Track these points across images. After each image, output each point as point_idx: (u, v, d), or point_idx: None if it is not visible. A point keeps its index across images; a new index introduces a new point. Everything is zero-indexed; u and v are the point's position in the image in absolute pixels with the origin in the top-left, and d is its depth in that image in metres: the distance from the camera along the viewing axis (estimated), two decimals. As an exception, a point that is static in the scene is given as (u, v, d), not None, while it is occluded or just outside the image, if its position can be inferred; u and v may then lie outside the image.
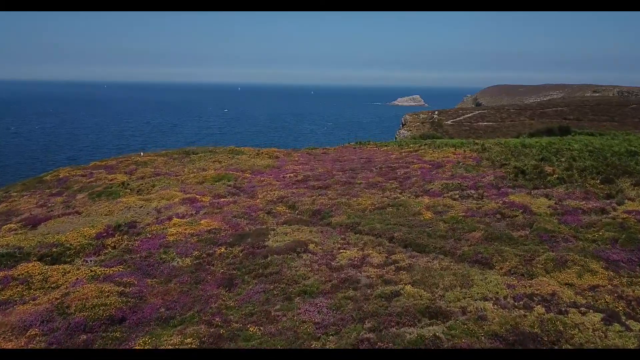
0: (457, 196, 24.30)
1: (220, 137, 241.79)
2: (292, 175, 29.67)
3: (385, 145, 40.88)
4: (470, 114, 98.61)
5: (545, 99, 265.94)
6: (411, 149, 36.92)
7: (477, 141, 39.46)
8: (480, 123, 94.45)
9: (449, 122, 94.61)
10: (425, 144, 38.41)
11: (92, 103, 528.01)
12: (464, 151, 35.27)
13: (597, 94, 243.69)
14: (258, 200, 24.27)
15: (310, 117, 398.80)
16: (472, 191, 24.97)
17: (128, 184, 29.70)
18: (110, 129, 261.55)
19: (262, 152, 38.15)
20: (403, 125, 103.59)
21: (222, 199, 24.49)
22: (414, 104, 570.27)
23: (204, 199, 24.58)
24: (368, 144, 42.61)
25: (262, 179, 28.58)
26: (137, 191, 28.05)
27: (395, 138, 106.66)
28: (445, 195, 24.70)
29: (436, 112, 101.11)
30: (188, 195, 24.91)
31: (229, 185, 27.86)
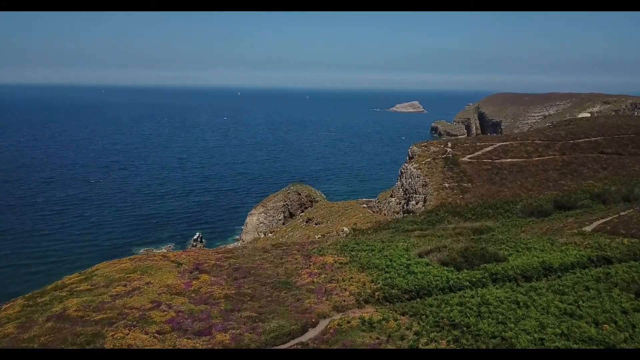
0: None
1: (215, 152, 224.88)
2: None
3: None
4: (491, 147, 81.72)
5: (552, 112, 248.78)
6: None
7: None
8: (504, 160, 77.51)
9: (466, 159, 77.66)
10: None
11: (87, 110, 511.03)
12: None
13: (609, 105, 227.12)
14: None
15: (310, 125, 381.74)
16: None
17: None
18: (99, 142, 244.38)
19: None
20: (410, 158, 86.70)
21: None
22: (412, 110, 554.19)
23: None
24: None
25: None
26: None
27: (401, 173, 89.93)
28: None
29: (449, 144, 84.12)
30: None
31: None
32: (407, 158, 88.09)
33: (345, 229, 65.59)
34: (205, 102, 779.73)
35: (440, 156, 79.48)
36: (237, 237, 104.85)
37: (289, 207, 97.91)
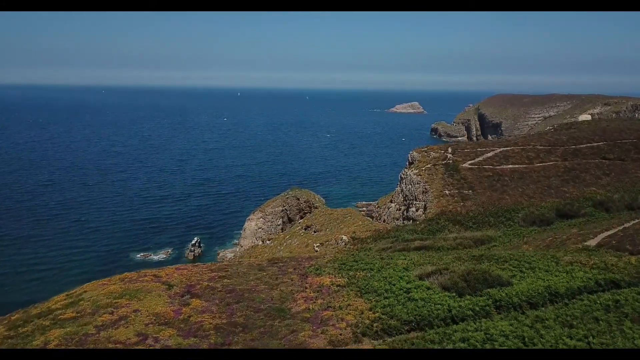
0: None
1: (214, 154, 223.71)
2: None
3: None
4: (491, 153, 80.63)
5: (553, 113, 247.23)
6: None
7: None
8: (505, 166, 76.41)
9: (467, 165, 76.55)
10: None
11: (86, 111, 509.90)
12: None
13: (609, 107, 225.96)
14: None
15: (310, 126, 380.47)
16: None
17: None
18: (98, 144, 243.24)
19: None
20: (410, 163, 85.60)
21: None
22: (412, 111, 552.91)
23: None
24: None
25: None
26: None
27: (401, 179, 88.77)
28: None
29: (450, 150, 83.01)
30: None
31: None
32: (407, 163, 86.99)
33: (345, 237, 64.49)
34: (205, 102, 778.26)
35: (440, 162, 78.35)
36: (236, 241, 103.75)
37: (288, 212, 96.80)
